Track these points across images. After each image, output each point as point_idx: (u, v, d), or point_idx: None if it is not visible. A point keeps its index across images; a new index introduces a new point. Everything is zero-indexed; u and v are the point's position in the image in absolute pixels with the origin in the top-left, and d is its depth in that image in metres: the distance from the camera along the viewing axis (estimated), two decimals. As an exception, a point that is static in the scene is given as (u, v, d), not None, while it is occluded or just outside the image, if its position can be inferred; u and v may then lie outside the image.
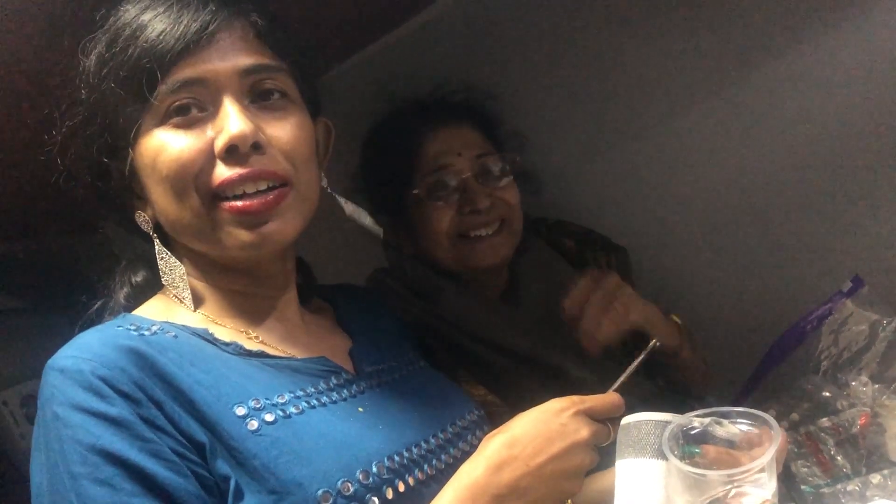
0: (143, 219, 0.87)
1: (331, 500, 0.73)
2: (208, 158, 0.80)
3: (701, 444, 0.76)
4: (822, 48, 1.29)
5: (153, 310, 0.86)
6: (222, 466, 0.73)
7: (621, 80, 1.44)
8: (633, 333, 1.20)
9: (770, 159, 1.39)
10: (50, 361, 0.74)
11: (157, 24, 0.80)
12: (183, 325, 0.83)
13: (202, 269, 0.89)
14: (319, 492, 0.72)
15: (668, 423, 0.78)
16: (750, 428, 0.76)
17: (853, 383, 1.15)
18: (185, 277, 0.86)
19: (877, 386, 1.13)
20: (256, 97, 0.84)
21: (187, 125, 0.81)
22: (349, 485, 0.74)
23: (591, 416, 0.81)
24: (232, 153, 0.80)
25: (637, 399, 1.12)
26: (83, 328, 0.80)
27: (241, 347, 0.84)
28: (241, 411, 0.75)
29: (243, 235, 0.81)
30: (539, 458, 0.77)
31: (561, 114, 1.50)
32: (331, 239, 1.04)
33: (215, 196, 0.81)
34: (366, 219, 0.97)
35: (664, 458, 0.76)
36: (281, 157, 0.83)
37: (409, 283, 1.29)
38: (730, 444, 0.76)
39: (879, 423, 1.10)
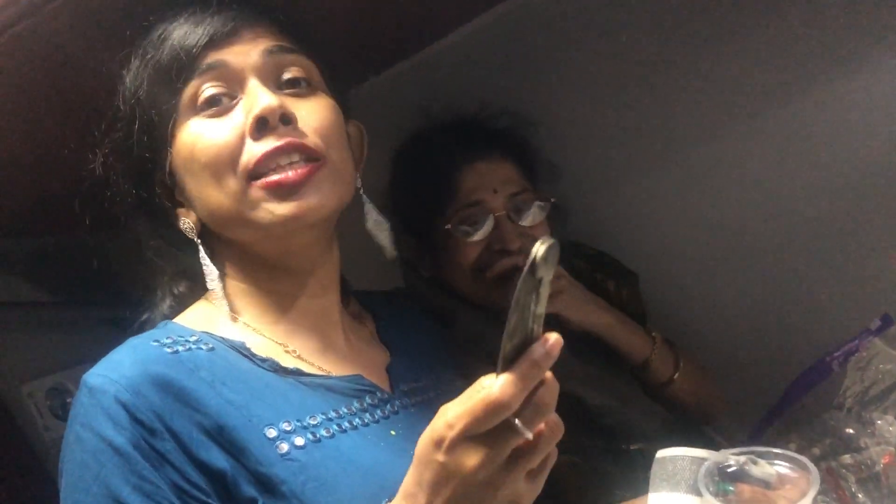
0: (187, 225, 0.88)
1: None
2: (243, 141, 0.82)
3: (736, 482, 0.76)
4: (855, 81, 1.29)
5: (195, 317, 0.87)
6: (248, 490, 0.73)
7: (648, 105, 1.43)
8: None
9: (800, 192, 1.38)
10: (85, 376, 0.76)
11: (183, 27, 0.84)
12: (221, 338, 0.84)
13: (245, 271, 0.89)
14: None
15: (704, 459, 0.78)
16: (787, 471, 0.75)
17: (878, 422, 1.13)
18: (221, 285, 0.87)
19: (902, 426, 1.11)
20: (283, 84, 0.86)
21: (219, 114, 0.83)
22: None
23: (473, 433, 0.62)
24: (262, 127, 0.81)
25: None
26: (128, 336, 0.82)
27: (277, 364, 0.83)
28: (271, 433, 0.76)
29: (279, 209, 0.81)
30: None
31: (586, 137, 1.49)
32: (353, 255, 1.05)
33: (251, 177, 0.81)
34: (384, 237, 0.97)
35: (698, 494, 0.75)
36: (312, 133, 0.84)
37: (426, 304, 1.28)
38: (765, 484, 0.76)
39: (903, 463, 1.08)
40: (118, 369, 0.75)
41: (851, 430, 1.14)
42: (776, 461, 0.76)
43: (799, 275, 1.42)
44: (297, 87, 0.86)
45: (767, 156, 1.39)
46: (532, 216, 1.27)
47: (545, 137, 1.40)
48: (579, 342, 1.30)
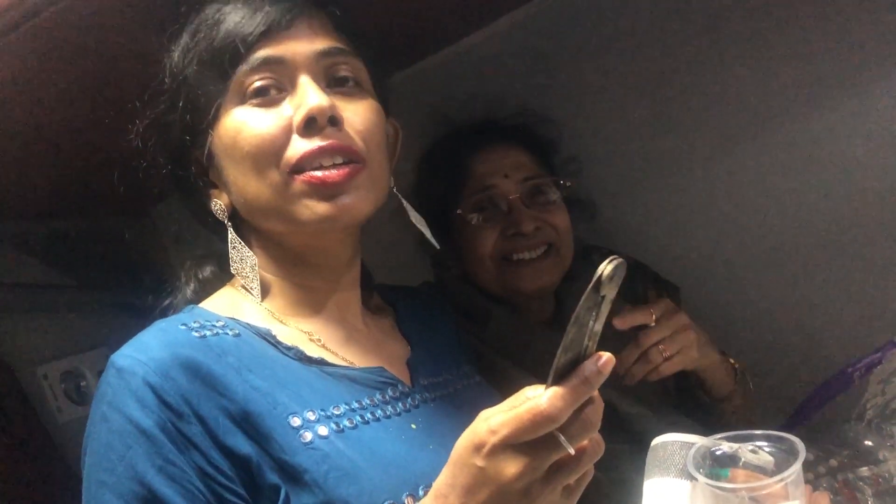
0: (218, 206, 0.88)
1: None
2: (288, 135, 0.82)
3: (729, 468, 0.76)
4: (883, 92, 1.28)
5: (221, 303, 0.87)
6: (271, 477, 0.74)
7: (678, 110, 1.42)
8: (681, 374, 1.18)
9: (825, 202, 1.37)
10: (113, 356, 0.76)
11: (239, 12, 0.84)
12: (247, 324, 0.84)
13: (273, 260, 0.90)
14: None
15: (694, 444, 0.78)
16: (776, 450, 0.75)
17: (898, 434, 1.12)
18: (255, 268, 0.87)
19: (923, 440, 1.10)
20: (332, 82, 0.86)
21: (267, 105, 0.83)
22: None
23: (515, 442, 0.62)
24: (310, 126, 0.82)
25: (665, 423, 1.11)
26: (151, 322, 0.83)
27: (303, 353, 0.84)
28: (296, 422, 0.76)
29: (319, 207, 0.82)
30: None
31: (615, 140, 1.48)
32: (382, 246, 1.05)
33: (293, 171, 0.82)
34: (426, 231, 0.97)
35: (690, 478, 0.75)
36: (356, 136, 0.85)
37: (457, 302, 1.27)
38: (762, 470, 0.75)
39: (922, 478, 1.07)
40: (147, 351, 0.75)
41: (870, 443, 1.13)
42: (761, 442, 0.76)
43: (822, 285, 1.41)
44: (346, 86, 0.87)
45: (792, 165, 1.38)
46: (546, 200, 1.27)
47: (569, 141, 1.39)
48: (617, 346, 1.29)
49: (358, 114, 0.86)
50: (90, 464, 0.73)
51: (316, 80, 0.84)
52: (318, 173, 0.81)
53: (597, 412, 0.63)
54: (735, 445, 0.76)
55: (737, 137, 1.40)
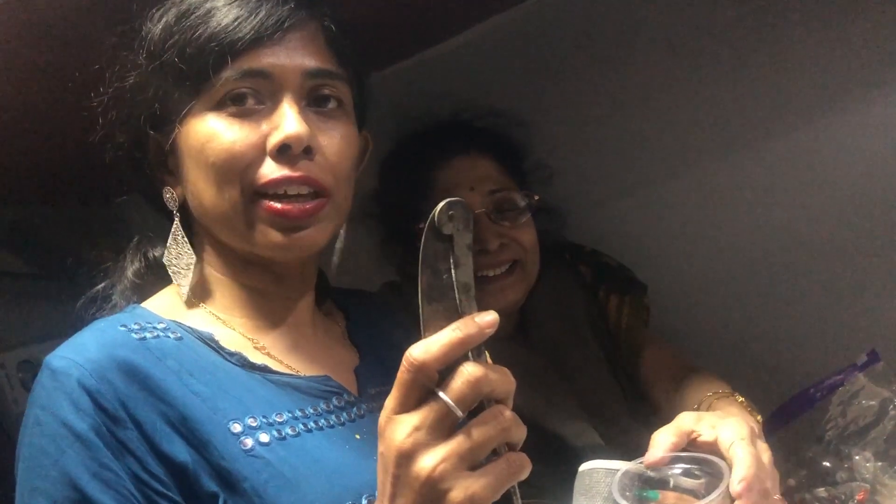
0: (170, 195, 0.85)
1: None
2: (258, 154, 0.80)
3: (658, 490, 0.75)
4: (855, 119, 1.29)
5: (164, 304, 0.85)
6: (209, 484, 0.72)
7: (658, 120, 1.42)
8: None
9: (799, 222, 1.37)
10: (48, 357, 0.74)
11: (233, 10, 0.80)
12: (190, 328, 0.82)
13: (223, 260, 0.87)
14: None
15: (618, 470, 0.77)
16: (701, 472, 0.75)
17: (856, 457, 1.13)
18: (191, 266, 0.84)
19: (880, 464, 1.11)
20: (313, 101, 0.84)
21: (242, 115, 0.80)
22: None
23: (402, 410, 0.60)
24: (283, 152, 0.79)
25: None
26: (89, 303, 0.83)
27: (245, 359, 0.82)
28: (236, 428, 0.75)
29: (276, 237, 0.80)
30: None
31: (594, 147, 1.48)
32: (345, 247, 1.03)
33: (256, 192, 0.80)
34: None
35: None
36: (327, 167, 0.82)
37: (412, 312, 1.24)
38: (693, 494, 0.75)
39: (877, 501, 1.08)
40: (83, 353, 0.73)
41: (828, 464, 1.13)
42: (686, 465, 0.75)
43: (790, 304, 1.41)
44: (326, 107, 0.84)
45: (770, 184, 1.38)
46: (513, 215, 1.23)
47: (553, 145, 1.38)
48: (579, 372, 1.27)
49: (333, 142, 0.83)
50: (23, 468, 0.72)
51: (298, 98, 0.81)
52: (278, 205, 0.79)
53: (485, 374, 0.59)
54: (663, 469, 0.76)
55: (718, 150, 1.41)
